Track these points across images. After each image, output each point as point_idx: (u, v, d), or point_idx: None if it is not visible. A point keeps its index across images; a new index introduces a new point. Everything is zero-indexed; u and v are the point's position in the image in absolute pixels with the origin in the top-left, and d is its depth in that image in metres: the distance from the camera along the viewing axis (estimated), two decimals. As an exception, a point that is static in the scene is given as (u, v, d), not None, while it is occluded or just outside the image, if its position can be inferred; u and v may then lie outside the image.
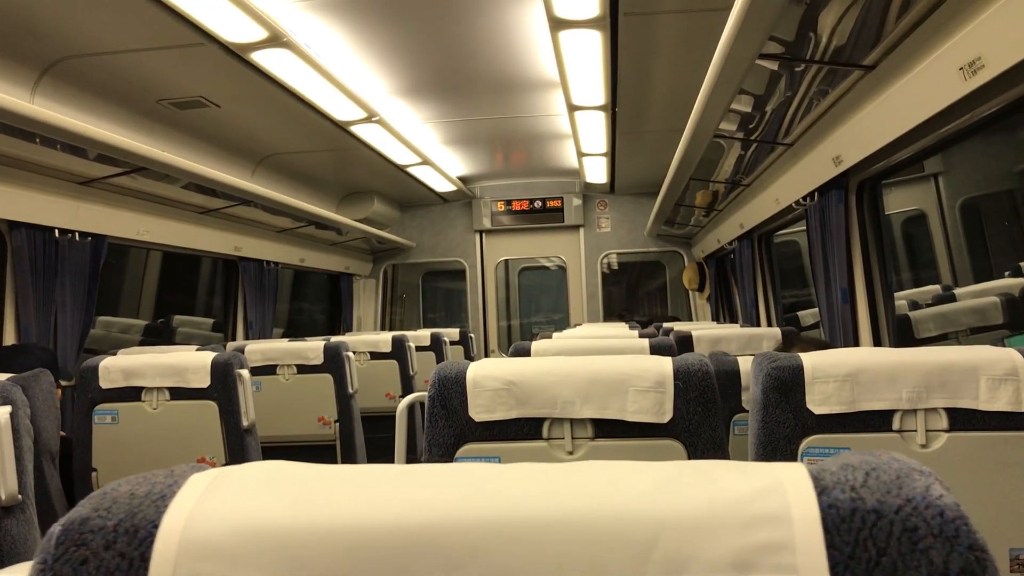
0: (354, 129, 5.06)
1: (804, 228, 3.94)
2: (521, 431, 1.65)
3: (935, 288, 5.49)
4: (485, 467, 0.58)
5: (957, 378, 1.59)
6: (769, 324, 5.60)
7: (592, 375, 1.64)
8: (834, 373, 1.63)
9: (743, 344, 3.51)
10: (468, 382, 1.65)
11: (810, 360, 1.66)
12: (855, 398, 1.62)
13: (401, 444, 2.09)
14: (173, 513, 0.55)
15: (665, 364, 1.64)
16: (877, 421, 1.62)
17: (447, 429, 1.64)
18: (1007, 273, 5.00)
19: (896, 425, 1.61)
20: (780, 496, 0.51)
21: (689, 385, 1.62)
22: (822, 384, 1.64)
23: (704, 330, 3.67)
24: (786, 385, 1.65)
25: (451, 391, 1.64)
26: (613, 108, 4.83)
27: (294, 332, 8.09)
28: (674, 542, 0.50)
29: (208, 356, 2.89)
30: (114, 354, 3.07)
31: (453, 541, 0.51)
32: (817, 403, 1.64)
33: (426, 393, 1.71)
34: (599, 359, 1.69)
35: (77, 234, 3.92)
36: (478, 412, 1.64)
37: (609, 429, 1.64)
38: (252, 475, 0.58)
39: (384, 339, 5.00)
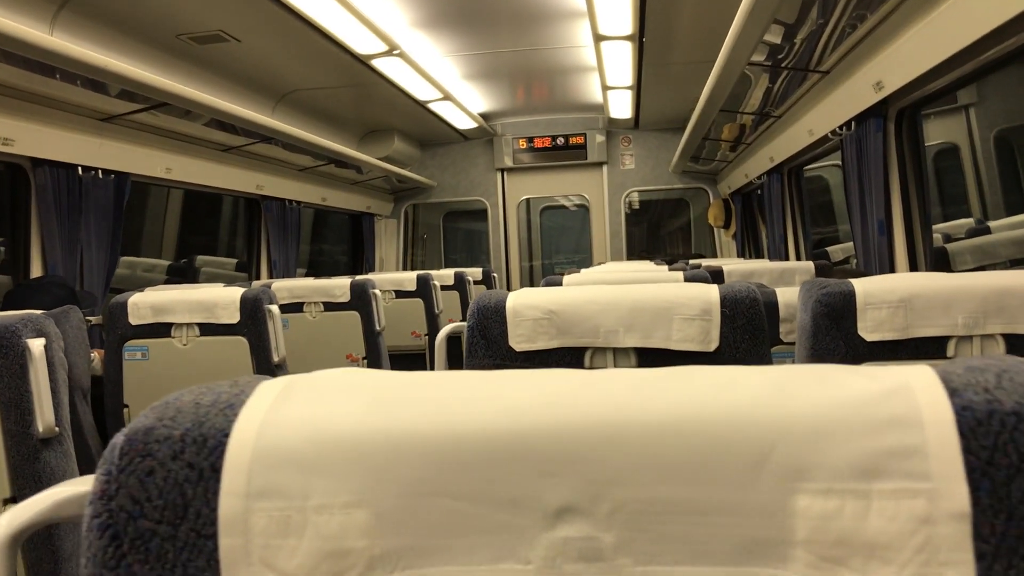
0: (375, 63, 4.97)
1: (832, 163, 3.85)
2: (563, 361, 1.61)
3: (968, 222, 5.39)
4: (578, 373, 0.53)
5: (1016, 303, 1.53)
6: (799, 259, 5.52)
7: (635, 303, 1.60)
8: (887, 299, 1.58)
9: (775, 278, 3.45)
10: (508, 311, 1.61)
11: (862, 286, 1.61)
12: (908, 324, 1.57)
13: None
14: (244, 421, 0.51)
15: (711, 291, 1.59)
16: (932, 348, 1.57)
17: (487, 359, 1.61)
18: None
19: (951, 352, 1.56)
20: (909, 398, 0.47)
21: (736, 313, 1.57)
22: (875, 310, 1.58)
23: (734, 265, 3.62)
24: (837, 312, 1.60)
25: (491, 321, 1.61)
26: (641, 38, 4.71)
27: (316, 273, 8.09)
28: (793, 447, 0.46)
29: (237, 292, 2.87)
30: (142, 291, 3.06)
31: (548, 447, 0.47)
32: (869, 330, 1.59)
33: (464, 324, 1.67)
34: (643, 287, 1.64)
35: (100, 171, 3.89)
36: (519, 342, 1.61)
37: (653, 358, 1.60)
38: (325, 382, 0.54)
39: (409, 278, 4.98)
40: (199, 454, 0.50)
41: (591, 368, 1.61)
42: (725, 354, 1.57)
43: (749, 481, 0.46)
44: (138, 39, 4.01)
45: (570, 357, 1.62)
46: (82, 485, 0.64)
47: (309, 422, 0.50)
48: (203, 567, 0.50)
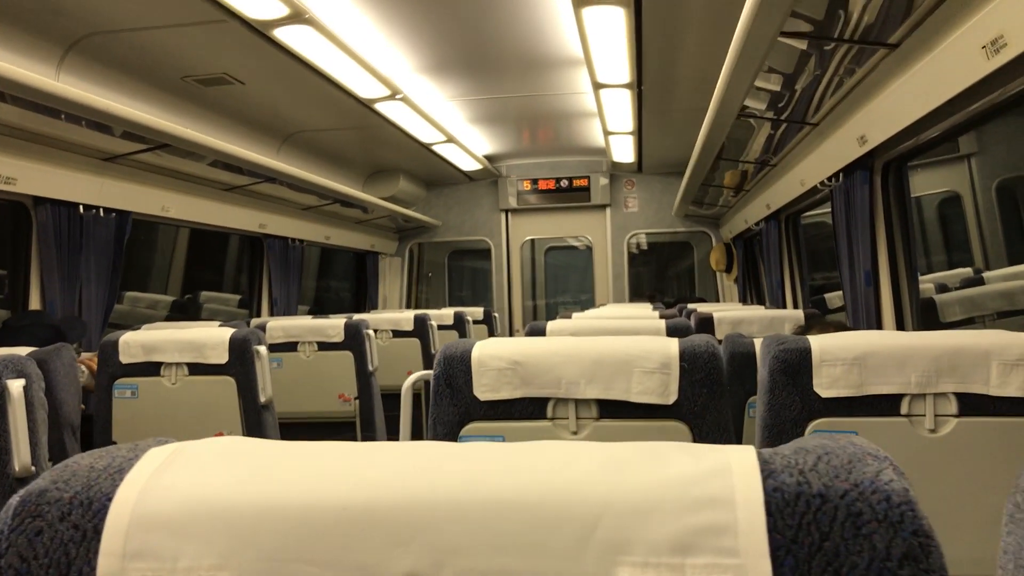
0: (378, 107, 5.06)
1: (832, 209, 3.89)
2: (526, 411, 1.64)
3: (967, 271, 5.41)
4: (440, 446, 0.57)
5: (968, 362, 1.56)
6: (795, 306, 5.55)
7: (597, 355, 1.63)
8: (842, 356, 1.61)
9: (764, 326, 3.48)
10: (473, 361, 1.64)
11: (818, 343, 1.64)
12: (863, 381, 1.60)
13: (406, 422, 2.10)
14: (127, 486, 0.55)
15: (671, 345, 1.63)
16: (885, 405, 1.60)
17: (452, 408, 1.65)
18: (1043, 256, 4.91)
19: (904, 409, 1.59)
20: (726, 479, 0.51)
21: (695, 367, 1.60)
22: (830, 367, 1.62)
23: (726, 311, 3.65)
24: (793, 368, 1.63)
25: (456, 370, 1.64)
26: (639, 86, 4.79)
27: (320, 309, 8.16)
28: (616, 523, 0.50)
29: (226, 332, 2.92)
30: (137, 329, 3.11)
31: (397, 519, 0.51)
32: (824, 386, 1.62)
33: (432, 372, 1.70)
34: (605, 340, 1.68)
35: (102, 210, 3.97)
36: (483, 391, 1.64)
37: (614, 410, 1.63)
38: (209, 450, 0.58)
39: (407, 317, 5.02)
40: (84, 516, 0.55)
41: (554, 418, 1.65)
42: (684, 406, 1.61)
43: (575, 553, 0.50)
44: (143, 80, 4.11)
45: (533, 407, 1.65)
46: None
47: (184, 489, 0.54)
48: None
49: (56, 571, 0.54)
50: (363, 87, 4.62)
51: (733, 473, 0.51)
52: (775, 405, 1.64)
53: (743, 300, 7.53)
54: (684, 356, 1.61)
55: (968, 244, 5.77)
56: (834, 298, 6.28)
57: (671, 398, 1.60)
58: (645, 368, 1.62)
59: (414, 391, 2.17)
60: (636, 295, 8.67)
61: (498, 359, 1.64)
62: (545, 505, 0.51)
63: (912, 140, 3.04)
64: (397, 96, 4.86)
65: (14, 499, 0.56)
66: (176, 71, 4.11)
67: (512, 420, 1.65)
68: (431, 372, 1.71)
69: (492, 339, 1.70)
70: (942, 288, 5.03)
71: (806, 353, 1.63)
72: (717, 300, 8.36)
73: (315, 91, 4.64)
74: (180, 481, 0.55)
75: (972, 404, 1.56)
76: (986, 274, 5.03)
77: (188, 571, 0.52)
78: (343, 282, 9.08)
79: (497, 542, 0.50)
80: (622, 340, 1.68)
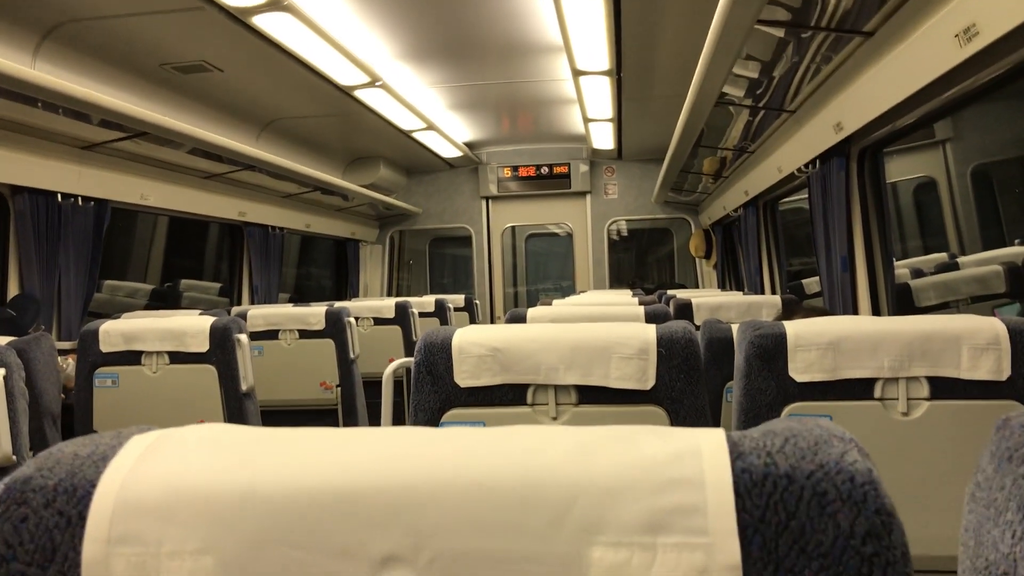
0: (358, 94, 5.05)
1: (809, 196, 3.92)
2: (506, 397, 1.66)
3: (942, 256, 5.47)
4: (420, 431, 0.59)
5: (939, 347, 1.59)
6: (773, 291, 5.60)
7: (576, 342, 1.65)
8: (816, 341, 1.64)
9: (742, 312, 3.52)
10: (454, 348, 1.66)
11: (793, 328, 1.67)
12: (837, 366, 1.63)
13: (388, 409, 2.11)
14: (111, 473, 0.56)
15: (648, 331, 1.65)
16: (859, 389, 1.63)
17: (433, 394, 1.66)
18: (1017, 241, 4.97)
19: (878, 393, 1.62)
20: (695, 461, 0.52)
21: (672, 352, 1.62)
22: (804, 352, 1.64)
23: (705, 297, 3.68)
24: (769, 353, 1.66)
25: (437, 357, 1.66)
26: (618, 73, 4.80)
27: (301, 297, 8.14)
28: (589, 504, 0.51)
29: (207, 321, 2.92)
30: (116, 318, 3.10)
31: (377, 502, 0.53)
32: (799, 371, 1.65)
33: (413, 359, 1.72)
34: (584, 326, 1.70)
35: (80, 199, 3.94)
36: (463, 378, 1.65)
37: (593, 395, 1.65)
38: (192, 437, 0.59)
39: (387, 305, 5.02)
40: (68, 503, 0.56)
41: (534, 404, 1.67)
42: (661, 392, 1.63)
43: (550, 534, 0.51)
44: (121, 68, 4.08)
45: (513, 393, 1.67)
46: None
47: (167, 475, 0.56)
48: None
49: (41, 557, 0.55)
50: (342, 74, 4.61)
51: (703, 455, 0.53)
52: (751, 390, 1.67)
53: (722, 286, 7.58)
54: (661, 342, 1.63)
55: (943, 229, 5.83)
56: (811, 283, 6.34)
57: (649, 383, 1.62)
58: (623, 354, 1.64)
59: (395, 378, 2.18)
60: (616, 282, 8.71)
61: (478, 346, 1.66)
62: (521, 488, 0.52)
63: (888, 127, 3.07)
64: (377, 83, 4.85)
65: None
66: (154, 58, 4.08)
67: (492, 406, 1.66)
68: (412, 359, 1.73)
69: (472, 326, 1.72)
70: (917, 273, 5.09)
71: (781, 339, 1.66)
72: (697, 286, 8.41)
73: (294, 78, 4.62)
74: (163, 467, 0.56)
75: (943, 388, 1.59)
76: (961, 259, 5.09)
77: (172, 555, 0.54)
78: (323, 270, 9.06)
79: (475, 524, 0.52)
80: (601, 327, 1.70)
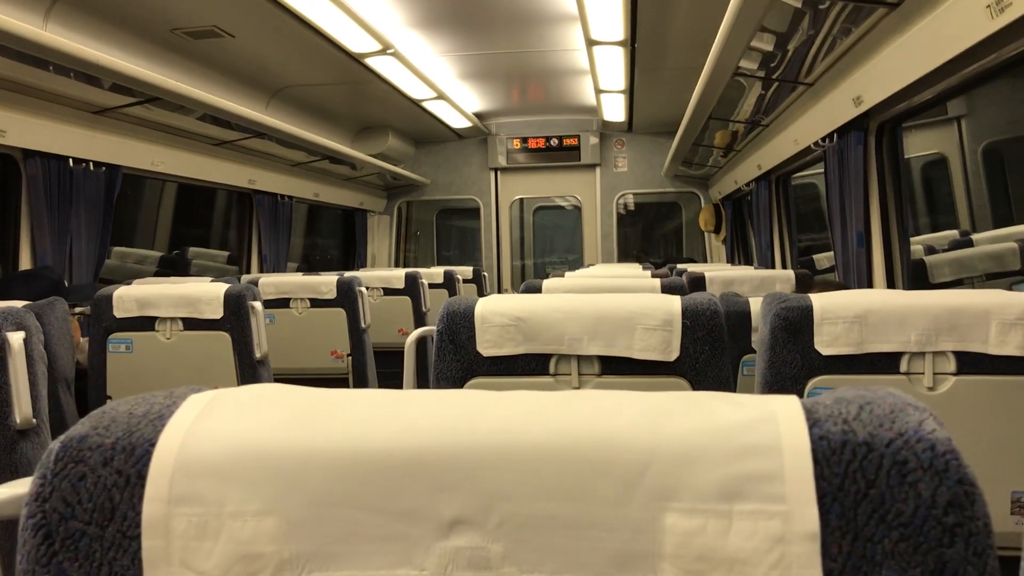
0: (369, 61, 5.00)
1: (823, 170, 3.89)
2: (528, 366, 1.65)
3: (953, 233, 5.44)
4: (481, 394, 0.58)
5: (967, 322, 1.58)
6: (784, 267, 5.57)
7: (600, 312, 1.64)
8: (843, 314, 1.63)
9: (756, 286, 3.50)
10: (476, 317, 1.65)
11: (819, 301, 1.65)
12: (863, 339, 1.62)
13: (410, 378, 2.10)
14: (170, 432, 0.55)
15: (673, 302, 1.64)
16: (885, 363, 1.62)
17: (455, 363, 1.65)
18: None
19: (904, 367, 1.61)
20: (772, 427, 0.51)
21: (697, 324, 1.61)
22: (831, 325, 1.63)
23: (717, 271, 3.66)
24: (795, 326, 1.64)
25: (459, 326, 1.65)
26: (632, 44, 4.75)
27: (309, 267, 8.12)
28: (663, 470, 0.50)
29: (221, 287, 2.90)
30: (128, 284, 3.09)
31: (445, 465, 0.52)
32: (825, 344, 1.63)
33: (435, 327, 1.71)
34: (607, 297, 1.69)
35: (91, 164, 3.92)
36: (486, 347, 1.65)
37: (615, 366, 1.65)
38: (249, 397, 0.58)
39: (397, 275, 5.02)
40: (127, 462, 0.55)
41: (556, 374, 1.67)
42: (685, 363, 1.62)
43: (623, 499, 0.50)
44: (132, 33, 4.04)
45: (535, 363, 1.66)
46: (20, 487, 0.68)
47: (227, 435, 0.55)
48: (127, 566, 0.54)
49: (100, 516, 0.54)
50: (354, 41, 4.57)
51: (779, 421, 0.52)
52: (775, 362, 1.65)
53: (731, 261, 7.55)
54: (687, 313, 1.62)
55: (953, 207, 5.80)
56: (822, 259, 6.32)
57: (673, 355, 1.61)
58: (647, 325, 1.63)
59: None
60: (624, 255, 8.68)
61: (501, 315, 1.65)
62: (592, 452, 0.51)
63: (908, 101, 3.04)
64: (388, 51, 4.80)
65: (55, 444, 0.56)
66: (165, 23, 4.05)
67: (515, 376, 1.66)
68: (433, 328, 1.72)
69: (495, 295, 1.71)
70: (930, 250, 5.07)
71: (808, 311, 1.64)
72: (705, 261, 8.39)
73: (305, 45, 4.58)
74: (223, 427, 0.55)
75: (970, 363, 1.58)
76: (975, 236, 5.06)
77: (234, 516, 0.53)
78: (331, 239, 9.03)
79: (544, 488, 0.51)
80: (624, 297, 1.69)
